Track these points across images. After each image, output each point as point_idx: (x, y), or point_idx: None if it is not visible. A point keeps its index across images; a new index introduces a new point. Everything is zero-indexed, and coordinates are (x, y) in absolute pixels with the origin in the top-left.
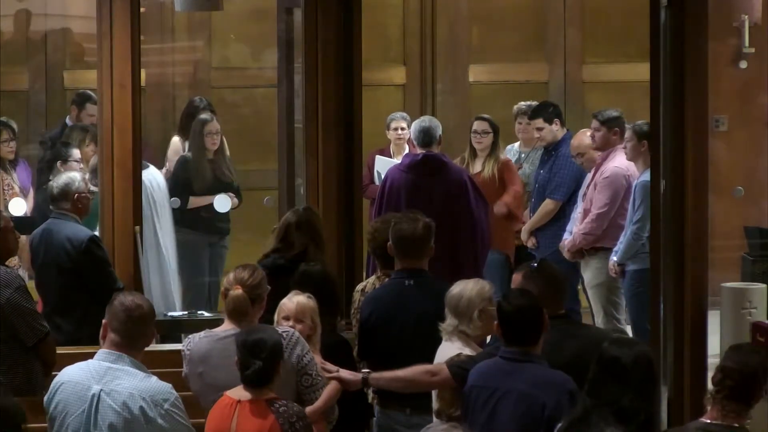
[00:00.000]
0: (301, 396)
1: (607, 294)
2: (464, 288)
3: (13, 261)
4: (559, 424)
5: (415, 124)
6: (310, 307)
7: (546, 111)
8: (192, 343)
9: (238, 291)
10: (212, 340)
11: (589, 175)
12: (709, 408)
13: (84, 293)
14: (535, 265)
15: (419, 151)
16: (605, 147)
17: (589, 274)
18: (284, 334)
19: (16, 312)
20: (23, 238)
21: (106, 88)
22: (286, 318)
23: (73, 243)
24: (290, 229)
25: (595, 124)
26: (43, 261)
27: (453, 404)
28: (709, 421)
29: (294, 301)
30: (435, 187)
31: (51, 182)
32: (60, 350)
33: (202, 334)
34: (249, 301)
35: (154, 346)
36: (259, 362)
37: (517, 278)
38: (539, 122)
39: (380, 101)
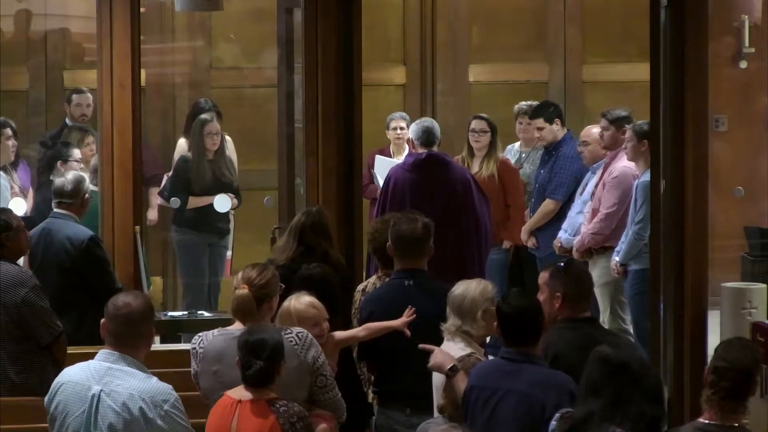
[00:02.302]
0: (313, 396)
1: (614, 293)
2: (467, 288)
3: None
4: (554, 422)
5: (417, 124)
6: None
7: (547, 111)
8: (205, 341)
9: (243, 290)
10: (228, 338)
11: (597, 175)
12: (705, 408)
13: (83, 293)
14: (563, 264)
15: (421, 150)
16: (614, 146)
17: (596, 273)
18: (299, 335)
19: (32, 311)
20: None
21: (106, 88)
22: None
23: (74, 242)
24: (305, 231)
25: (603, 123)
26: (42, 261)
27: (458, 406)
28: (707, 421)
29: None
30: (439, 186)
31: (60, 178)
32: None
33: (215, 332)
34: (254, 301)
35: (155, 346)
36: (260, 362)
37: (544, 276)
38: (540, 122)
39: (380, 101)
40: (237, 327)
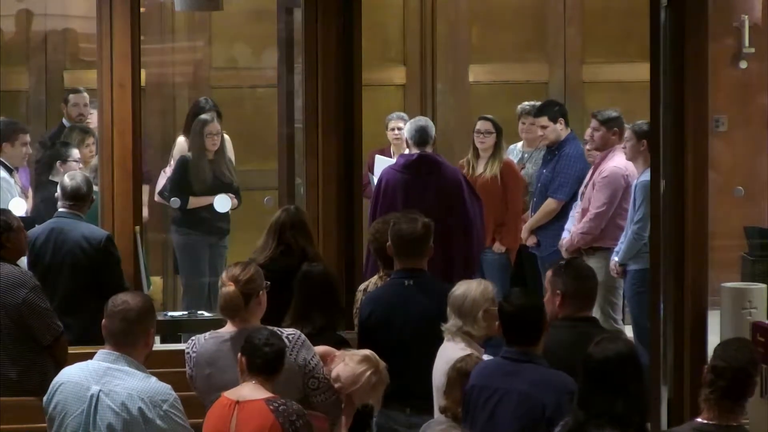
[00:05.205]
0: (308, 398)
1: (605, 294)
2: (468, 288)
3: None
4: None
5: (411, 124)
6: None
7: (551, 110)
8: (197, 344)
9: (229, 288)
10: (218, 341)
11: (588, 175)
12: (704, 408)
13: (95, 293)
14: (564, 262)
15: (414, 150)
16: (604, 147)
17: None
18: (290, 336)
19: (33, 311)
20: None
21: (106, 88)
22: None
23: (91, 241)
24: (284, 230)
25: (594, 123)
26: (53, 260)
27: (461, 404)
28: (705, 421)
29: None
30: (430, 187)
31: (72, 180)
32: (69, 350)
33: (207, 335)
34: (242, 298)
35: (155, 346)
36: (268, 348)
37: (548, 275)
38: (544, 120)
39: (380, 101)
40: (228, 329)
